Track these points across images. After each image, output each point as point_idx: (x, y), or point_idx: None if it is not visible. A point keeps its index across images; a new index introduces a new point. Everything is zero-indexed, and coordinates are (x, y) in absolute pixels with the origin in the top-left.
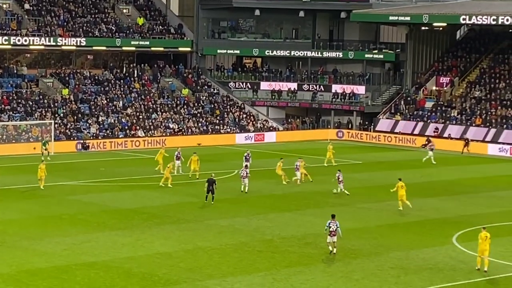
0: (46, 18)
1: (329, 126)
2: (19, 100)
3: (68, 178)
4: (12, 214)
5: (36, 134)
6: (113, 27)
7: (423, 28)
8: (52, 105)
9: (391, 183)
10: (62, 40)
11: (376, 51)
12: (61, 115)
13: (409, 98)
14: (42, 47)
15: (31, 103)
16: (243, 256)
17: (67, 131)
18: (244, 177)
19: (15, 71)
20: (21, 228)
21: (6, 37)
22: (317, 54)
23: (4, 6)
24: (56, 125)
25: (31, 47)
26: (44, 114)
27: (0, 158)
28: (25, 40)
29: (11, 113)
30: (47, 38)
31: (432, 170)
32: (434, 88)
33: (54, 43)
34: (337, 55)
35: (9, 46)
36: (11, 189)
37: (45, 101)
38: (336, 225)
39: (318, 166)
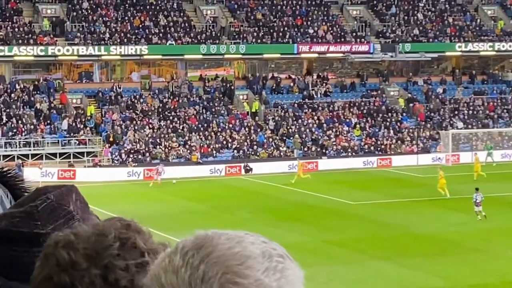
0: None
1: None
2: (504, 107)
3: None
4: (497, 223)
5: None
6: None
7: None
8: None
9: None
10: None
11: None
12: None
13: None
14: None
15: None
16: None
17: None
18: None
19: (499, 77)
20: (507, 237)
21: (490, 44)
22: None
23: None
24: None
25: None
26: None
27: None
28: None
29: (496, 119)
30: None
31: None
32: None
33: None
34: None
35: (493, 53)
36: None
37: None
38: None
39: None
